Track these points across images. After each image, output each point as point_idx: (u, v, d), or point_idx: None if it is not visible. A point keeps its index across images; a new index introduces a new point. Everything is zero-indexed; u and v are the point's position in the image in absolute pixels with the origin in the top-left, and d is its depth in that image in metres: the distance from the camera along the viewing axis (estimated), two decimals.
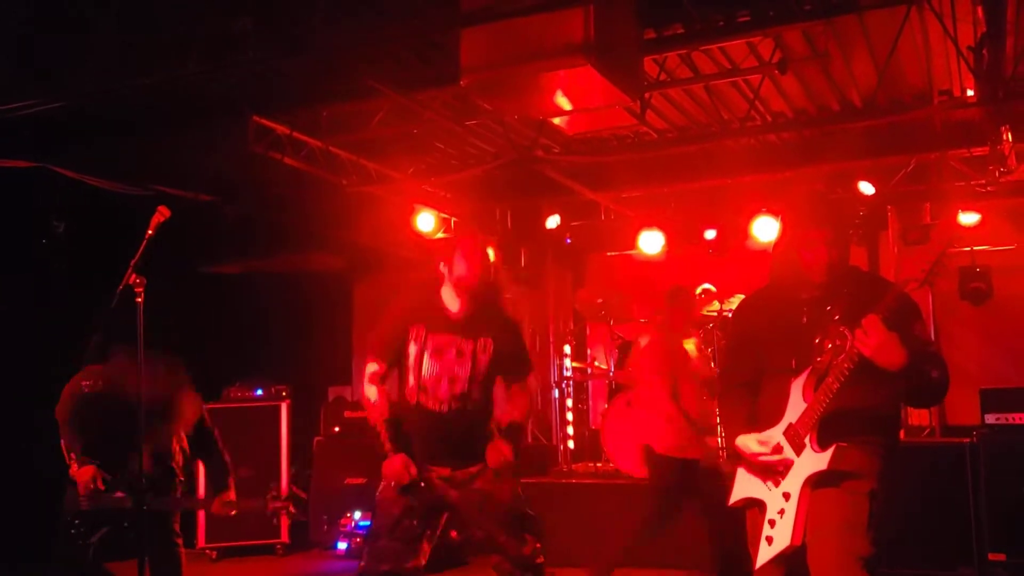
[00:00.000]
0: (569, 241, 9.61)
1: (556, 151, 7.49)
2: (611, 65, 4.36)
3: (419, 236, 8.64)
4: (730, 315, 7.26)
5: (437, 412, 4.15)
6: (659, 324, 6.16)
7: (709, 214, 8.48)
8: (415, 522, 4.11)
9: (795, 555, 3.16)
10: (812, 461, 3.14)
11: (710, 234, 8.57)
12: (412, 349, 4.18)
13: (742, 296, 6.73)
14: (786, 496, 3.19)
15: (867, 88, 6.36)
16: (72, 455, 4.54)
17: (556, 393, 9.33)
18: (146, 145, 6.44)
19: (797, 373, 3.24)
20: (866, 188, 7.51)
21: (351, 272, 9.77)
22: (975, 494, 6.26)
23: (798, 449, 3.19)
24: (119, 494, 4.39)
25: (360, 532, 7.58)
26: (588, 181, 7.90)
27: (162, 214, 4.00)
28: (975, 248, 7.88)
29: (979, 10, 4.95)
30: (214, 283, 8.21)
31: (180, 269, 6.22)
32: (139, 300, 3.90)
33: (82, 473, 4.44)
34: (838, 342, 3.15)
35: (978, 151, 6.99)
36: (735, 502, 3.42)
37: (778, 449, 3.22)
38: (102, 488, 4.43)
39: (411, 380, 4.19)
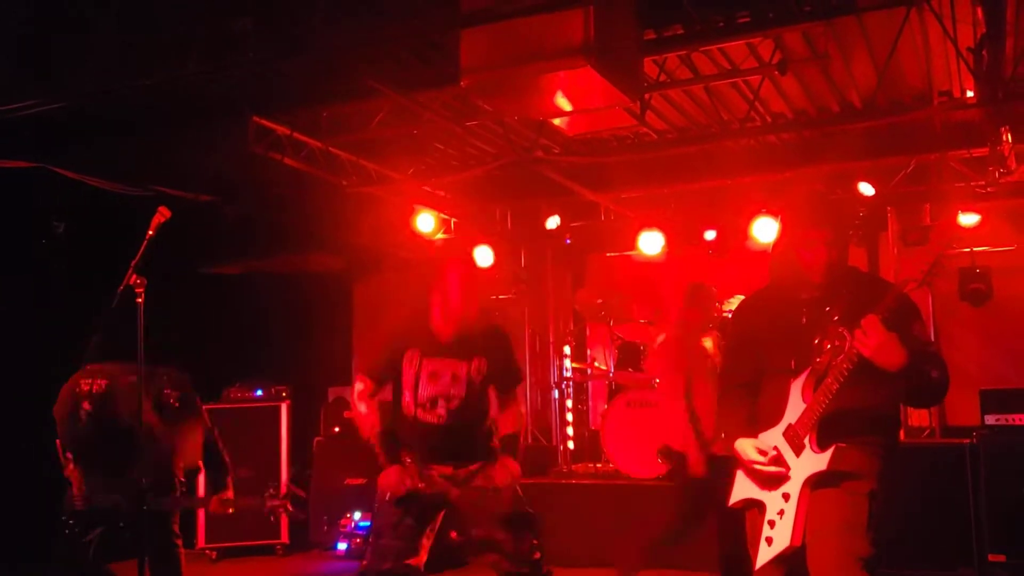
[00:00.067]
0: (569, 242, 9.60)
1: (556, 152, 7.49)
2: (611, 66, 4.36)
3: (419, 237, 8.65)
4: (730, 316, 7.25)
5: (435, 424, 4.22)
6: (677, 321, 6.11)
7: (709, 215, 8.48)
8: (416, 520, 4.15)
9: (795, 556, 3.16)
10: (811, 462, 3.14)
11: (710, 235, 8.56)
12: (407, 372, 4.24)
13: (742, 297, 6.72)
14: (785, 497, 3.19)
15: (867, 89, 6.37)
16: (68, 454, 4.54)
17: (556, 394, 9.34)
18: (146, 145, 6.44)
19: (796, 374, 3.25)
20: (866, 189, 7.51)
21: (351, 272, 9.77)
22: (975, 495, 6.26)
23: (797, 450, 3.19)
24: (122, 494, 4.38)
25: (360, 532, 7.58)
26: (588, 182, 7.90)
27: (162, 214, 4.01)
28: (975, 249, 7.87)
29: (979, 11, 4.95)
30: (214, 283, 8.21)
31: (180, 269, 6.22)
32: (139, 300, 3.91)
33: (77, 473, 4.44)
34: (837, 343, 3.16)
35: (978, 152, 6.98)
36: (735, 503, 3.42)
37: (776, 459, 3.23)
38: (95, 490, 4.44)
39: (407, 397, 4.25)
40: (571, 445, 8.81)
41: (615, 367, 8.26)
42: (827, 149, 7.25)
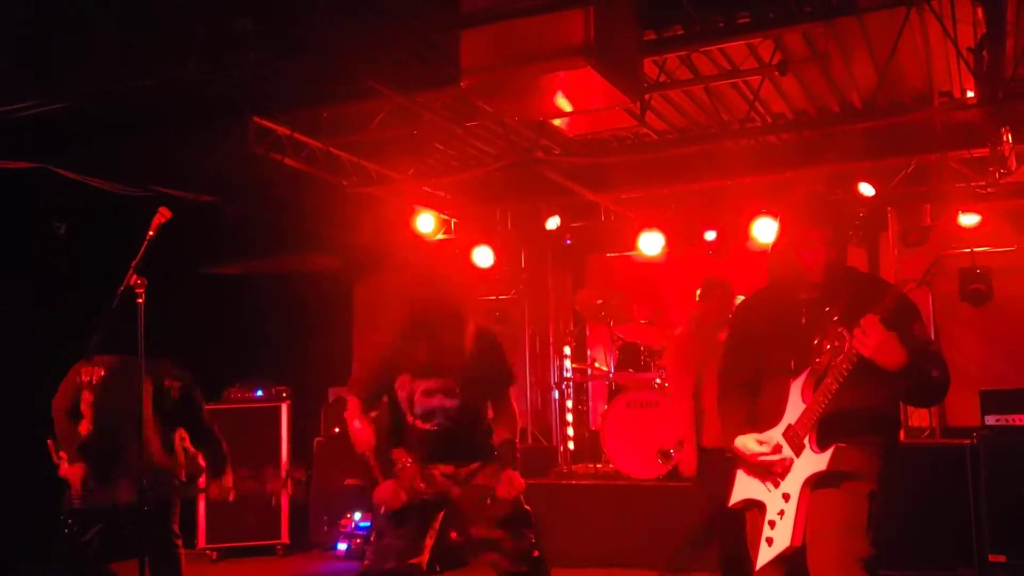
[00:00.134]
0: (569, 242, 9.60)
1: (556, 152, 7.50)
2: (611, 67, 4.36)
3: (419, 237, 8.65)
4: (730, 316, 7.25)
5: (434, 430, 4.23)
6: (693, 317, 6.09)
7: (709, 215, 8.48)
8: (418, 519, 4.17)
9: (795, 556, 3.16)
10: (811, 462, 3.14)
11: (710, 235, 8.57)
12: (401, 394, 4.25)
13: (742, 297, 6.72)
14: (786, 497, 3.19)
15: (867, 89, 6.37)
16: (62, 454, 4.53)
17: (556, 394, 9.34)
18: (147, 146, 6.45)
19: (796, 374, 3.24)
20: (866, 189, 7.50)
21: (351, 273, 9.78)
22: (975, 495, 6.26)
23: (797, 450, 3.19)
24: (123, 485, 4.38)
25: (360, 533, 7.59)
26: (588, 182, 7.90)
27: (163, 215, 4.01)
28: (975, 249, 7.87)
29: (979, 11, 4.95)
30: (214, 284, 8.21)
31: (180, 270, 6.22)
32: (140, 301, 3.91)
33: (73, 471, 4.44)
34: (837, 343, 3.16)
35: (978, 152, 6.98)
36: (735, 503, 3.42)
37: (778, 449, 3.22)
38: (92, 488, 4.44)
39: (404, 410, 4.26)
40: (571, 445, 8.80)
41: (615, 367, 8.26)
42: (827, 150, 7.26)
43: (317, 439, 8.40)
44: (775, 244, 3.47)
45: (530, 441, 9.45)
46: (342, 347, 9.75)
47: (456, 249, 9.08)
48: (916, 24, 5.35)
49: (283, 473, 4.74)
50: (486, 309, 9.68)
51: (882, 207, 8.07)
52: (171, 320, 4.55)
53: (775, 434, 3.26)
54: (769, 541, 3.22)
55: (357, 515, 7.66)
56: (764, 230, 7.65)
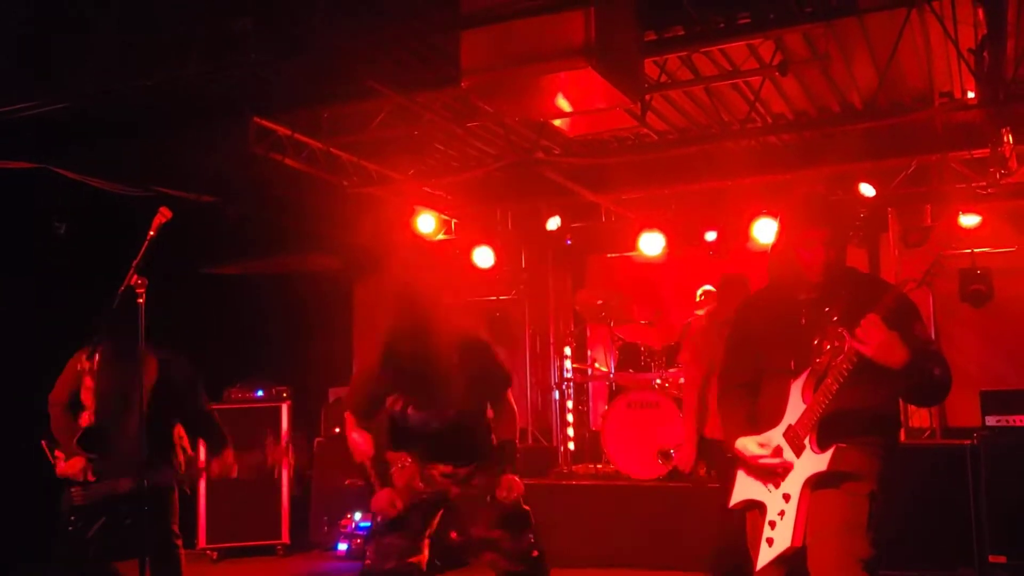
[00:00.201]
0: (569, 242, 9.61)
1: (556, 153, 7.50)
2: (612, 67, 4.36)
3: (419, 237, 8.65)
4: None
5: (433, 432, 4.22)
6: (709, 312, 6.09)
7: (710, 216, 8.48)
8: (417, 518, 4.18)
9: (796, 556, 3.16)
10: (812, 462, 3.14)
11: (710, 236, 8.57)
12: (395, 408, 4.23)
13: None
14: (786, 497, 3.19)
15: (868, 90, 6.37)
16: (58, 453, 4.53)
17: (556, 394, 9.34)
18: (147, 146, 6.44)
19: (796, 374, 3.25)
20: (867, 190, 7.51)
21: (351, 273, 9.78)
22: (976, 496, 6.26)
23: (798, 450, 3.19)
24: (123, 474, 4.37)
25: (360, 533, 7.59)
26: (588, 183, 7.91)
27: (164, 215, 4.01)
28: (975, 250, 7.87)
29: (980, 12, 4.95)
30: (215, 284, 8.21)
31: (181, 270, 6.22)
32: (141, 301, 3.91)
33: (71, 466, 4.44)
34: (837, 343, 3.16)
35: (979, 153, 6.98)
36: (735, 504, 3.42)
37: (778, 451, 3.23)
38: (92, 480, 4.44)
39: (400, 414, 4.24)
40: (571, 446, 8.81)
41: (615, 368, 8.26)
42: (828, 150, 7.26)
43: (317, 439, 8.40)
44: (775, 244, 3.47)
45: (530, 441, 9.46)
46: (342, 347, 9.75)
47: (456, 249, 9.08)
48: (917, 25, 5.35)
49: (283, 442, 4.70)
50: (486, 309, 9.70)
51: (883, 208, 8.08)
52: (171, 320, 4.54)
53: (775, 435, 3.26)
54: (770, 541, 3.22)
55: (357, 515, 7.67)
56: (764, 231, 7.65)
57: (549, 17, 4.27)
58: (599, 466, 8.16)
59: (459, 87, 4.61)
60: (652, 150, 7.46)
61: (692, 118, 7.06)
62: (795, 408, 3.22)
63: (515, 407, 4.44)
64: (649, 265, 9.00)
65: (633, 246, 8.53)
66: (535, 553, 4.22)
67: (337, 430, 8.36)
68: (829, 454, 3.11)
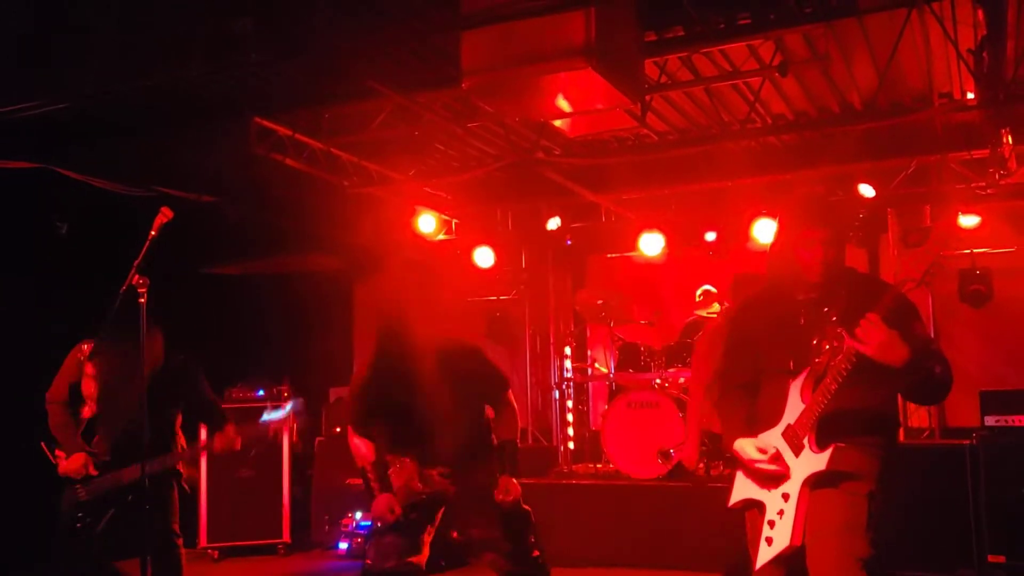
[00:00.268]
0: (569, 243, 9.62)
1: (557, 153, 7.51)
2: (612, 67, 4.37)
3: (420, 237, 8.66)
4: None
5: (430, 439, 4.21)
6: (724, 310, 6.08)
7: (709, 216, 8.49)
8: (417, 518, 4.18)
9: (795, 556, 3.17)
10: (811, 462, 3.15)
11: (710, 236, 8.58)
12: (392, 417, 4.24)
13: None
14: (785, 497, 3.20)
15: (867, 90, 6.38)
16: (58, 452, 4.53)
17: (556, 394, 9.35)
18: (148, 146, 6.45)
19: (795, 374, 3.25)
20: (866, 190, 7.52)
21: (352, 273, 9.78)
22: (975, 496, 6.26)
23: (797, 450, 3.20)
24: (127, 471, 4.37)
25: (361, 532, 7.59)
26: (589, 183, 7.91)
27: (165, 215, 4.02)
28: (975, 250, 7.88)
29: (980, 13, 4.95)
30: (215, 284, 8.21)
31: (181, 270, 6.22)
32: (142, 300, 3.92)
33: (72, 463, 4.44)
34: (835, 343, 3.16)
35: (978, 154, 6.99)
36: (734, 503, 3.43)
37: (776, 457, 3.23)
38: (95, 473, 4.44)
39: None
40: (571, 446, 8.82)
41: (615, 368, 8.27)
42: (828, 150, 7.26)
43: (318, 439, 8.41)
44: (774, 244, 3.47)
45: (530, 441, 9.47)
46: (342, 347, 9.75)
47: (457, 249, 9.09)
48: (916, 25, 5.35)
49: (283, 398, 4.68)
50: (487, 309, 9.71)
51: (882, 208, 8.09)
52: (172, 320, 4.55)
53: (774, 436, 3.26)
54: (769, 541, 3.22)
55: (358, 514, 7.67)
56: (764, 231, 7.66)
57: (549, 17, 4.28)
58: (599, 466, 8.17)
59: (459, 87, 4.62)
60: (652, 150, 7.47)
61: (692, 119, 7.07)
62: (794, 408, 3.23)
63: (516, 407, 4.43)
64: (649, 265, 9.01)
65: (633, 246, 8.54)
66: (536, 553, 4.22)
67: (338, 429, 8.38)
68: (828, 454, 3.11)
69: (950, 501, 6.31)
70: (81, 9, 5.08)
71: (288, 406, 4.82)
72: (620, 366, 8.23)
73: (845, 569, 3.07)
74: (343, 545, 7.68)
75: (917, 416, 8.03)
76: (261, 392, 8.13)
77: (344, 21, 4.83)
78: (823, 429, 3.16)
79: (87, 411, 4.56)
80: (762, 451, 3.25)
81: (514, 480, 4.22)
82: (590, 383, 9.50)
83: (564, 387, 9.09)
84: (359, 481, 4.40)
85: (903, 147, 7.22)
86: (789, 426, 3.22)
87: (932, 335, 7.08)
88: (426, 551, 4.21)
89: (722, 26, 5.11)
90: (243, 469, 7.72)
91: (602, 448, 7.84)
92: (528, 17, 4.30)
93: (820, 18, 5.00)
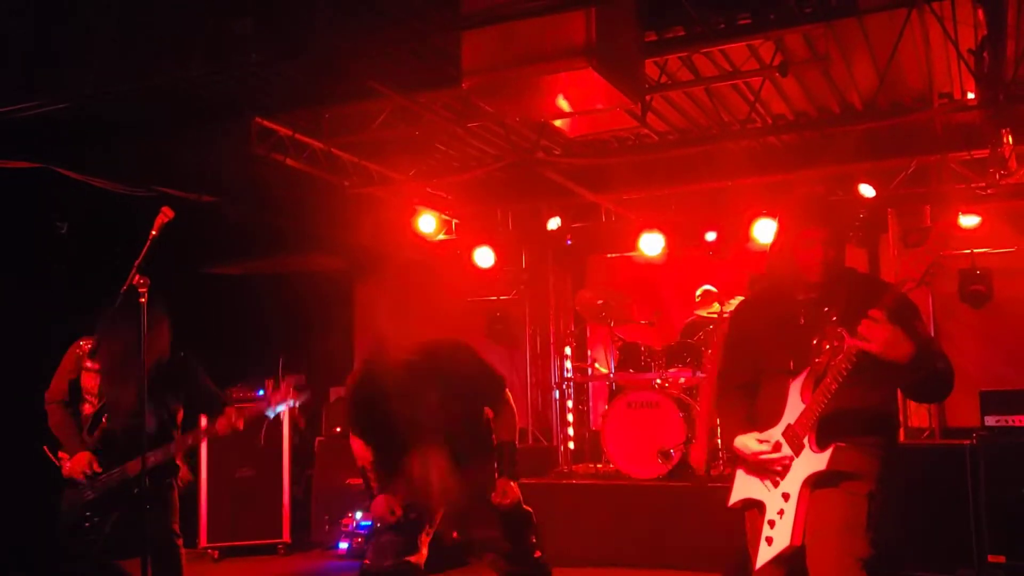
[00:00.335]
0: (570, 243, 9.63)
1: (557, 153, 7.51)
2: (612, 67, 4.37)
3: (420, 237, 8.66)
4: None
5: (433, 436, 4.21)
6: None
7: (710, 216, 8.49)
8: (416, 518, 4.19)
9: (795, 555, 3.17)
10: (811, 461, 3.15)
11: (711, 236, 8.58)
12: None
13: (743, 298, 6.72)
14: (785, 496, 3.20)
15: (868, 91, 6.38)
16: (61, 454, 4.52)
17: (556, 394, 9.35)
18: (148, 146, 6.45)
19: (795, 374, 3.25)
20: (866, 191, 7.51)
21: (352, 273, 9.79)
22: (975, 496, 6.27)
23: (797, 450, 3.20)
24: (132, 464, 4.36)
25: (361, 532, 7.59)
26: (589, 183, 7.92)
27: (166, 215, 4.02)
28: (975, 251, 7.89)
29: (980, 13, 4.95)
30: (216, 284, 8.22)
31: (182, 270, 6.22)
32: (142, 300, 3.92)
33: (76, 463, 4.43)
34: (836, 343, 3.16)
35: (978, 154, 6.99)
36: (734, 503, 3.43)
37: (778, 447, 3.23)
38: (99, 471, 4.43)
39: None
40: (572, 445, 8.82)
41: (616, 368, 8.28)
42: (828, 151, 7.26)
43: (318, 439, 8.41)
44: (773, 244, 3.48)
45: (530, 441, 9.47)
46: (343, 347, 9.75)
47: (457, 249, 9.09)
48: (917, 25, 5.35)
49: (283, 387, 4.64)
50: (487, 309, 9.71)
51: (882, 208, 8.09)
52: (172, 320, 4.55)
53: (775, 433, 3.26)
54: (769, 540, 3.22)
55: (358, 514, 7.67)
56: (764, 231, 7.66)
57: (550, 17, 4.28)
58: (599, 466, 8.17)
59: (459, 87, 4.62)
60: (652, 150, 7.47)
61: (692, 119, 7.06)
62: (794, 408, 3.23)
63: (514, 407, 4.42)
64: (649, 265, 9.01)
65: (633, 246, 8.54)
66: (537, 554, 4.23)
67: (338, 429, 8.38)
68: (828, 453, 3.12)
69: (950, 501, 6.31)
70: (81, 9, 5.08)
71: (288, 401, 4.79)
72: (620, 366, 8.24)
73: (845, 569, 3.07)
74: (343, 545, 7.68)
75: (917, 416, 8.03)
76: (261, 392, 8.12)
77: (344, 21, 4.83)
78: (823, 429, 3.16)
79: (88, 408, 4.55)
80: (764, 441, 3.25)
81: (512, 483, 4.21)
82: (590, 383, 9.50)
83: (564, 387, 9.09)
84: (359, 481, 4.40)
85: (903, 147, 7.22)
86: (789, 426, 3.23)
87: (932, 335, 7.09)
88: (424, 551, 4.21)
89: (722, 26, 5.11)
90: (244, 469, 7.72)
91: (602, 448, 7.84)
92: (528, 17, 4.30)
93: (820, 18, 5.00)
